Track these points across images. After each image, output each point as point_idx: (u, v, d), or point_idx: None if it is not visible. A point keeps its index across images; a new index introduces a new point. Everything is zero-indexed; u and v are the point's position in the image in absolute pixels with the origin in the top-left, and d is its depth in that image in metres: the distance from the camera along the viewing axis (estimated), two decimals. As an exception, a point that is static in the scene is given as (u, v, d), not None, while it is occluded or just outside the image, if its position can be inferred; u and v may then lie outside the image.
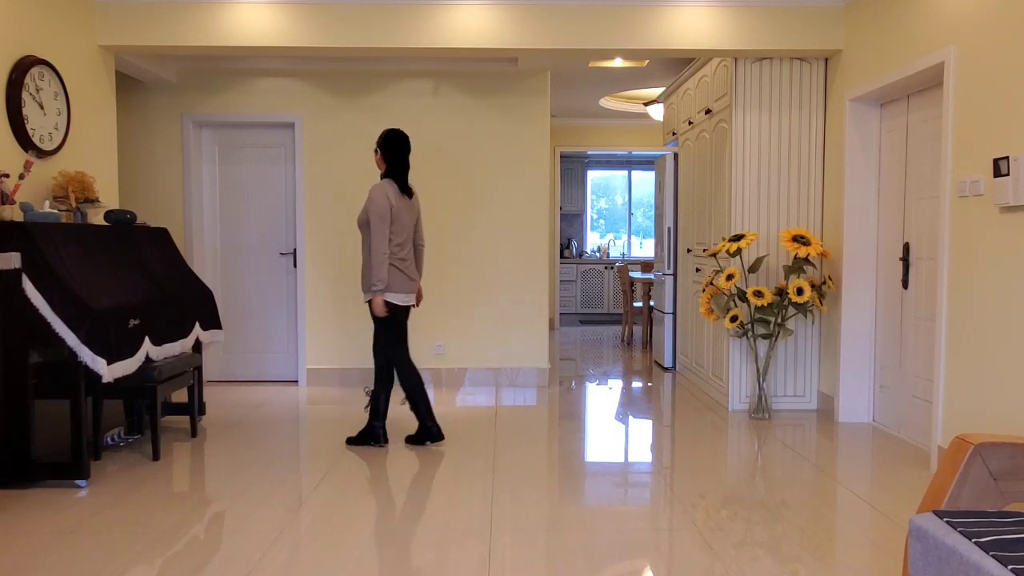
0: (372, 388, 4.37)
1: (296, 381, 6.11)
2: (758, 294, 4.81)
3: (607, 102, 8.55)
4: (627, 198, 11.48)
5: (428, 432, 4.28)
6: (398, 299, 4.16)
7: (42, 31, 4.20)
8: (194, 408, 4.49)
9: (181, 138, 5.94)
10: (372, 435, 4.28)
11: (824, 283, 4.88)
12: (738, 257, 5.16)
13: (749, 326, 5.02)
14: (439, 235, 6.00)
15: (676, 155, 6.81)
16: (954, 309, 3.72)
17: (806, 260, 4.79)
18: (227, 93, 5.93)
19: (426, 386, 4.33)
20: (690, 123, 6.22)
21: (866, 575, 2.65)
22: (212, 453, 4.16)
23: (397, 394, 5.54)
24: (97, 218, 4.57)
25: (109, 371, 3.48)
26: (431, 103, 5.96)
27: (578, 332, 9.68)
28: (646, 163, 11.33)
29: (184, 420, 4.89)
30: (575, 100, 8.44)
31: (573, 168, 11.09)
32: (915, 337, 4.36)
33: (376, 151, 4.22)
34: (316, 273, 5.99)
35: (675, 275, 6.82)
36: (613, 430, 4.70)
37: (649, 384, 6.26)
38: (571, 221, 11.28)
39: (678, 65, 6.77)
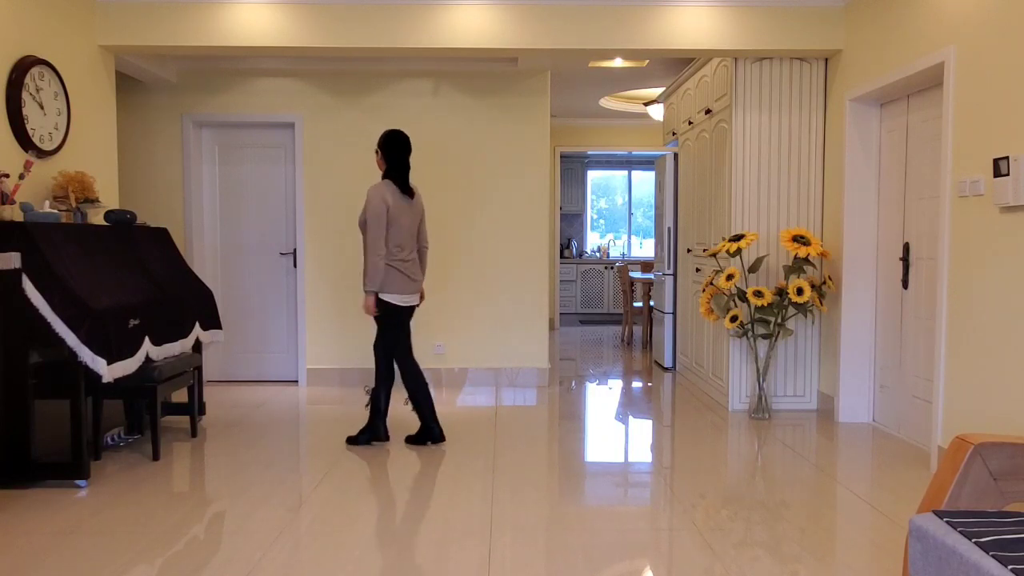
0: (372, 386, 4.38)
1: (296, 381, 6.11)
2: (758, 294, 4.81)
3: (607, 102, 8.55)
4: (627, 198, 11.48)
5: (430, 433, 4.28)
6: (399, 299, 4.17)
7: (42, 31, 4.20)
8: (194, 408, 4.49)
9: (181, 138, 5.94)
10: (373, 432, 4.30)
11: (824, 283, 4.88)
12: (738, 257, 5.16)
13: (749, 326, 5.02)
14: (439, 235, 6.00)
15: (676, 155, 6.81)
16: (954, 309, 3.72)
17: (806, 260, 4.79)
18: (227, 93, 5.93)
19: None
20: (690, 123, 6.22)
21: (866, 575, 2.65)
22: (212, 453, 4.16)
23: (400, 393, 5.54)
24: (97, 218, 4.57)
25: (109, 371, 3.49)
26: (431, 103, 5.96)
27: (578, 332, 9.68)
28: (646, 163, 11.33)
29: (184, 420, 4.90)
30: (575, 100, 8.44)
31: (573, 168, 11.09)
32: (915, 337, 4.36)
33: (377, 152, 4.23)
34: (316, 273, 5.99)
35: (675, 275, 6.82)
36: (613, 430, 4.70)
37: (649, 384, 6.26)
38: (571, 221, 11.28)
39: (678, 65, 6.77)
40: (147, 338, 3.86)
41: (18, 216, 3.81)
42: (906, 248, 4.42)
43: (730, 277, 4.86)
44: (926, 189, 4.23)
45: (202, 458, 4.08)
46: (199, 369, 4.62)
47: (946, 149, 3.75)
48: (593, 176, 11.44)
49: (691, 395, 5.78)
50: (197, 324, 4.48)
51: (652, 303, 7.90)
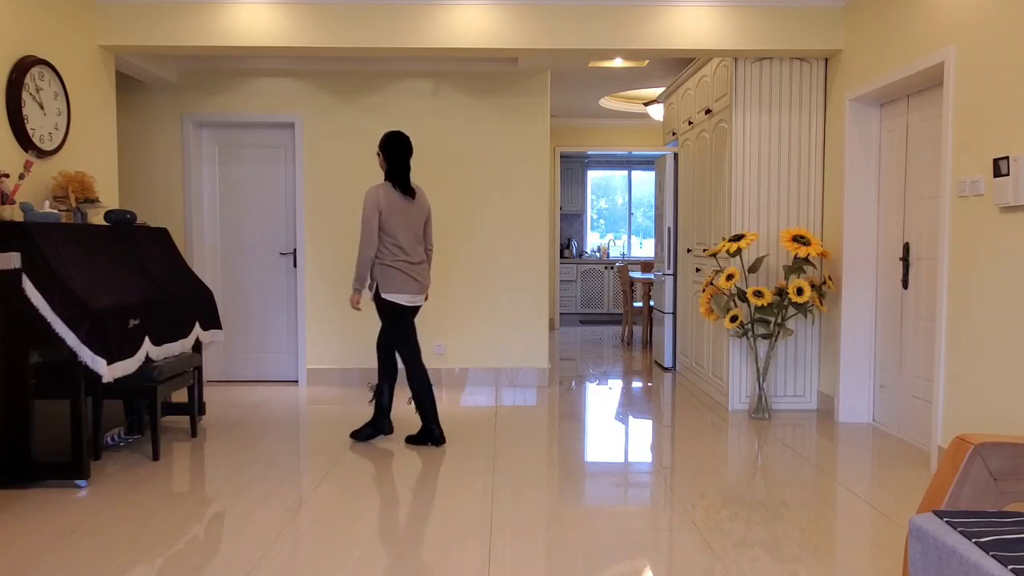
0: (376, 383, 4.45)
1: (296, 381, 6.11)
2: (758, 294, 4.81)
3: (607, 102, 8.55)
4: (627, 198, 11.48)
5: (431, 434, 4.29)
6: (402, 299, 4.20)
7: (42, 31, 4.20)
8: (194, 408, 4.49)
9: (181, 138, 5.94)
10: (377, 427, 4.39)
11: (824, 283, 4.88)
12: (738, 257, 5.16)
13: (749, 326, 5.02)
14: (439, 235, 6.00)
15: (676, 155, 6.81)
16: (954, 309, 3.72)
17: (806, 260, 4.79)
18: (227, 93, 5.93)
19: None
20: (690, 123, 6.22)
21: (866, 575, 2.65)
22: (212, 453, 4.16)
23: (403, 392, 5.56)
24: (97, 218, 4.57)
25: (109, 371, 3.49)
26: (431, 103, 5.96)
27: (578, 332, 9.68)
28: (646, 163, 11.33)
29: (184, 420, 4.90)
30: (575, 100, 8.45)
31: (573, 168, 11.09)
32: (915, 337, 4.36)
33: (378, 154, 4.26)
34: (316, 273, 5.99)
35: (675, 275, 6.82)
36: (613, 430, 4.70)
37: (649, 384, 6.26)
38: (571, 221, 11.28)
39: (678, 65, 6.77)
40: (147, 338, 3.86)
41: (18, 216, 3.81)
42: (906, 248, 4.43)
43: (730, 277, 4.86)
44: (926, 189, 4.23)
45: (202, 458, 4.08)
46: (199, 369, 4.62)
47: (946, 149, 3.75)
48: (593, 176, 11.44)
49: (691, 395, 5.78)
50: (197, 324, 4.48)
51: (652, 303, 7.90)
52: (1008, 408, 3.33)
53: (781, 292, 4.87)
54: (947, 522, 1.92)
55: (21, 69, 3.95)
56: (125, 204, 5.95)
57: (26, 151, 4.02)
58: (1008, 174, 3.25)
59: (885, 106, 4.66)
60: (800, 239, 4.72)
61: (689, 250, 6.33)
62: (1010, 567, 1.65)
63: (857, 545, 2.91)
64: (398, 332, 4.27)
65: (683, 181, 6.53)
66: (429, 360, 6.02)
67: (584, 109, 9.00)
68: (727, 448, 4.31)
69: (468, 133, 5.97)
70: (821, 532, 3.04)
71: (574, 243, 11.16)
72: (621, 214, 11.57)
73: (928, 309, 4.23)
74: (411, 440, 4.37)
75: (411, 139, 4.99)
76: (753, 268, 4.91)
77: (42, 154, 4.14)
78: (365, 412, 5.11)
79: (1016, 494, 2.14)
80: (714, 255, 5.07)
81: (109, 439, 4.23)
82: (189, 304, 4.42)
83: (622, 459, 4.08)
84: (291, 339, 6.10)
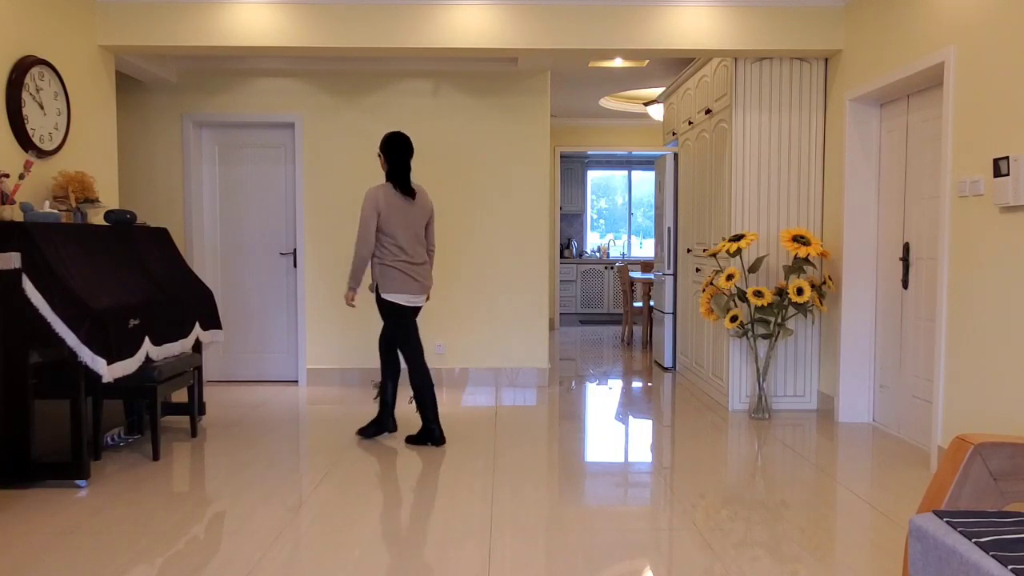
0: (380, 380, 4.51)
1: (296, 381, 6.11)
2: (758, 294, 4.81)
3: (607, 102, 8.55)
4: (627, 198, 11.48)
5: (431, 434, 4.30)
6: (401, 299, 4.22)
7: (42, 31, 4.20)
8: (194, 408, 4.49)
9: (181, 138, 5.94)
10: (381, 425, 4.46)
11: (824, 283, 4.88)
12: (738, 257, 5.16)
13: (749, 326, 5.02)
14: (440, 235, 6.00)
15: (676, 155, 6.81)
16: (954, 309, 3.72)
17: (806, 260, 4.79)
18: (227, 93, 5.93)
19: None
20: (690, 123, 6.22)
21: (866, 575, 2.65)
22: (212, 453, 4.16)
23: (405, 391, 5.58)
24: (97, 218, 4.57)
25: (109, 371, 3.49)
26: (431, 103, 5.96)
27: (578, 332, 9.68)
28: (646, 163, 11.33)
29: (184, 420, 4.90)
30: (575, 100, 8.45)
31: (573, 168, 11.09)
32: (915, 337, 4.36)
33: (379, 155, 4.27)
34: (316, 273, 5.99)
35: (675, 275, 6.82)
36: (613, 430, 4.70)
37: (649, 384, 6.26)
38: (571, 221, 11.28)
39: (678, 65, 6.77)
40: (147, 338, 3.86)
41: (18, 216, 3.81)
42: (906, 248, 4.43)
43: (730, 277, 4.86)
44: (926, 189, 4.23)
45: (202, 458, 4.08)
46: (199, 369, 4.62)
47: (946, 149, 3.75)
48: (593, 176, 11.44)
49: (691, 395, 5.78)
50: (197, 324, 4.48)
51: (652, 303, 7.90)
52: (1008, 408, 3.33)
53: (781, 292, 4.87)
54: (947, 522, 1.92)
55: (21, 69, 3.95)
56: (125, 204, 5.94)
57: (26, 151, 4.02)
58: (1008, 174, 3.25)
59: (885, 106, 4.66)
60: (800, 239, 4.72)
61: (689, 250, 6.33)
62: (1010, 567, 1.65)
63: (857, 545, 2.91)
64: (399, 332, 4.30)
65: (683, 181, 6.53)
66: (429, 360, 6.01)
67: (584, 109, 9.00)
68: (727, 448, 4.31)
69: (468, 133, 5.97)
70: (821, 532, 3.04)
71: (574, 243, 11.17)
72: (621, 214, 11.57)
73: (928, 309, 4.23)
74: (411, 440, 4.37)
75: (411, 139, 5.00)
76: (753, 268, 4.91)
77: (42, 154, 4.14)
78: (364, 412, 5.11)
79: (1016, 494, 2.14)
80: (714, 255, 5.07)
81: (109, 439, 4.23)
82: (189, 304, 4.42)
83: (622, 459, 4.08)
84: (291, 339, 6.10)
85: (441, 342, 6.04)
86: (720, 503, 3.37)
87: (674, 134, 6.84)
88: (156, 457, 4.02)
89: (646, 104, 7.99)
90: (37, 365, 3.50)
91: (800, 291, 4.72)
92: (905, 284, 4.45)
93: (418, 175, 5.95)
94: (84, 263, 3.70)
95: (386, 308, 4.24)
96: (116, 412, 4.39)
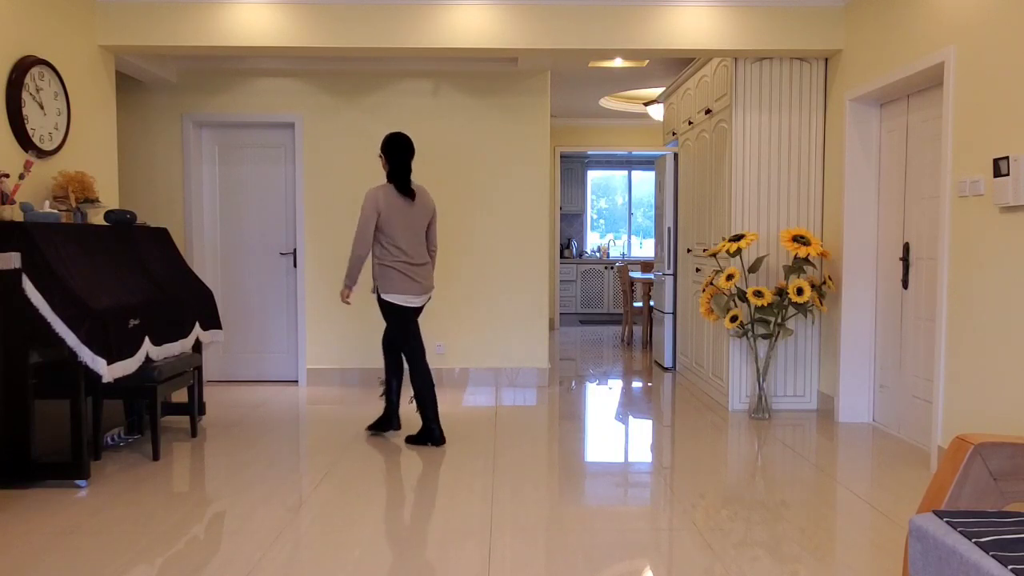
0: (385, 378, 4.55)
1: (296, 381, 6.11)
2: (758, 294, 4.81)
3: (607, 102, 8.55)
4: (627, 198, 11.48)
5: (431, 434, 4.30)
6: (401, 300, 4.23)
7: (42, 31, 4.20)
8: (194, 408, 4.49)
9: (181, 138, 5.94)
10: (386, 423, 4.52)
11: (824, 283, 4.88)
12: (738, 257, 5.16)
13: (749, 326, 5.02)
14: (440, 235, 6.00)
15: (676, 155, 6.81)
16: (954, 309, 3.72)
17: (806, 260, 4.79)
18: (227, 93, 5.93)
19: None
20: (690, 123, 6.22)
21: (866, 575, 2.65)
22: (212, 453, 4.16)
23: (406, 391, 5.59)
24: (97, 218, 4.57)
25: (109, 371, 3.49)
26: (431, 103, 5.96)
27: (578, 332, 9.68)
28: (646, 163, 11.33)
29: (184, 420, 4.90)
30: (575, 100, 8.45)
31: (573, 168, 11.09)
32: (915, 337, 4.36)
33: (380, 156, 4.28)
34: (316, 273, 5.99)
35: (675, 275, 6.82)
36: (613, 430, 4.70)
37: (649, 384, 6.26)
38: (571, 221, 11.28)
39: (678, 65, 6.77)
40: (147, 338, 3.86)
41: (18, 216, 3.81)
42: (906, 248, 4.43)
43: (730, 277, 4.86)
44: (926, 189, 4.23)
45: (202, 458, 4.08)
46: (199, 369, 4.62)
47: (946, 149, 3.75)
48: (593, 176, 11.44)
49: (691, 395, 5.78)
50: (197, 324, 4.48)
51: (652, 303, 7.90)
52: (1008, 408, 3.33)
53: (781, 292, 4.87)
54: (947, 522, 1.92)
55: (21, 69, 3.95)
56: (125, 204, 5.94)
57: (26, 151, 4.02)
58: (1008, 174, 3.25)
59: (885, 106, 4.66)
60: (800, 239, 4.72)
61: (689, 250, 6.33)
62: (1010, 567, 1.65)
63: (857, 545, 2.91)
64: (399, 332, 4.32)
65: (683, 181, 6.53)
66: (430, 360, 6.01)
67: (584, 109, 9.00)
68: (727, 448, 4.31)
69: (468, 133, 5.97)
70: (821, 532, 3.04)
71: (574, 243, 11.17)
72: (621, 214, 11.57)
73: (928, 309, 4.23)
74: (411, 440, 4.37)
75: (412, 139, 5.00)
76: (753, 268, 4.91)
77: (42, 154, 4.14)
78: (364, 412, 5.12)
79: (1016, 494, 2.14)
80: (714, 255, 5.07)
81: (109, 439, 4.23)
82: (189, 304, 4.42)
83: (622, 459, 4.08)
84: (291, 339, 6.10)
85: (441, 342, 6.04)
86: (720, 503, 3.37)
87: (674, 134, 6.84)
88: (156, 457, 4.02)
89: (646, 104, 7.99)
90: (37, 365, 3.50)
91: (800, 291, 4.72)
92: (905, 284, 4.45)
93: (418, 175, 5.95)
94: (84, 263, 3.70)
95: (386, 308, 4.26)
96: (116, 412, 4.39)
